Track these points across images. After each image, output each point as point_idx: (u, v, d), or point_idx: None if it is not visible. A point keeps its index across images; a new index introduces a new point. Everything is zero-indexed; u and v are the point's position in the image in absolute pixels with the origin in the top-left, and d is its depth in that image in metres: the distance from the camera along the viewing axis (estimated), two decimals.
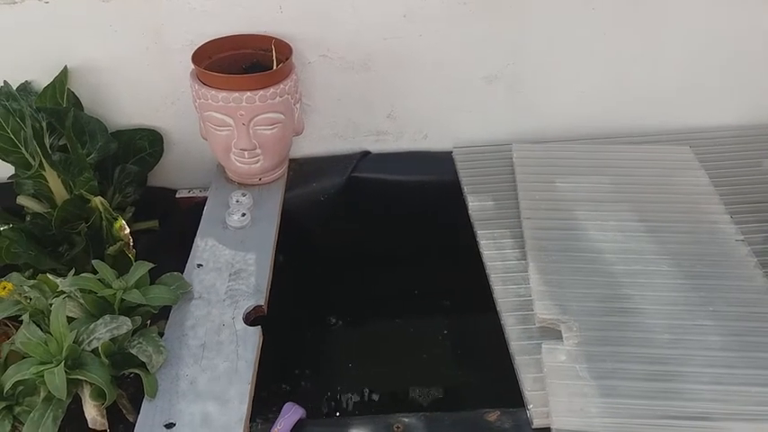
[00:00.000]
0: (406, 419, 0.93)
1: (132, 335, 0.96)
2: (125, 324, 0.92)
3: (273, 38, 1.30)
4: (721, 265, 1.14)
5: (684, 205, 1.27)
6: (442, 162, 1.48)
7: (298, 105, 1.32)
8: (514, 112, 1.49)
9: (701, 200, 1.28)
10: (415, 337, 1.40)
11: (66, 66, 1.32)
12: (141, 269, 1.01)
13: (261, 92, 1.22)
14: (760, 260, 1.15)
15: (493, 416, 0.93)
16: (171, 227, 1.40)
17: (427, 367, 1.33)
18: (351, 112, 1.47)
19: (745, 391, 0.94)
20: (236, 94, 1.21)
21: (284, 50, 1.29)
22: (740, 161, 1.41)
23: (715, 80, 1.47)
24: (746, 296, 1.08)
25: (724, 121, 1.53)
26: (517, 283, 1.14)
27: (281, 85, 1.24)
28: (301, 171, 1.46)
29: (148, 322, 1.06)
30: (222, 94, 1.21)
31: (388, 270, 1.53)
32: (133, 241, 1.21)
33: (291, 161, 1.46)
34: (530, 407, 0.93)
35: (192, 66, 1.25)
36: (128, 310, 0.99)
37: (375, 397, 1.28)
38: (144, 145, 1.42)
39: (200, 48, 1.28)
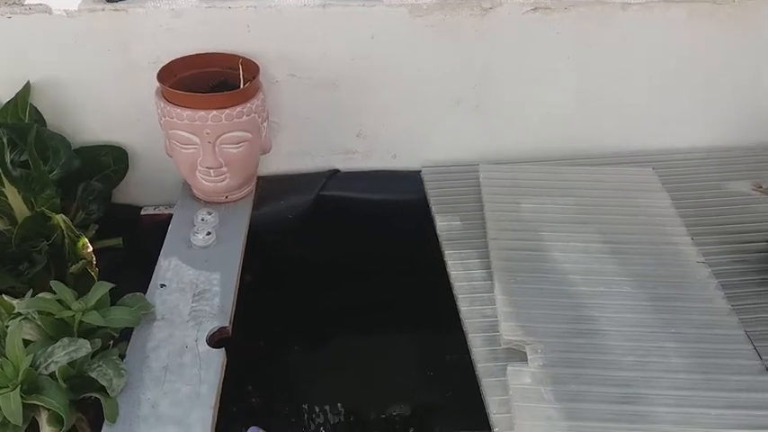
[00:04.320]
0: None
1: (92, 357, 0.93)
2: (84, 347, 0.90)
3: (241, 56, 1.30)
4: (683, 286, 1.16)
5: (647, 227, 1.29)
6: (410, 181, 1.48)
7: (265, 124, 1.32)
8: (482, 132, 1.50)
9: (663, 222, 1.30)
10: (384, 356, 1.40)
11: (28, 81, 1.30)
12: (101, 290, 0.99)
13: (227, 110, 1.21)
14: (720, 281, 1.17)
15: None
16: (135, 245, 1.38)
17: (396, 386, 1.33)
18: (319, 131, 1.47)
19: (707, 413, 0.95)
20: (202, 113, 1.20)
21: (251, 69, 1.29)
22: (703, 183, 1.44)
23: (680, 103, 1.50)
24: (707, 318, 1.10)
25: (688, 143, 1.56)
26: (484, 303, 1.14)
27: (248, 104, 1.24)
28: (269, 189, 1.45)
29: (111, 344, 1.04)
30: (187, 113, 1.20)
31: (356, 288, 1.52)
32: (96, 259, 1.19)
33: (260, 179, 1.45)
34: (495, 430, 0.93)
35: (158, 84, 1.24)
36: (87, 332, 0.96)
37: (343, 418, 1.27)
38: (108, 161, 1.39)
39: (165, 65, 1.27)
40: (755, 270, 1.21)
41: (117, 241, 1.36)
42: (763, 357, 1.03)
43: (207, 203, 1.34)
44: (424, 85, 1.42)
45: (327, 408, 1.29)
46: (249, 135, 1.26)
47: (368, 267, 1.52)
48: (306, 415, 1.28)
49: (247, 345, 1.14)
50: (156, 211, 1.46)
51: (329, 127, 1.46)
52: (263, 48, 1.32)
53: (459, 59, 1.39)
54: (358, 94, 1.41)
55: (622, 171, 1.44)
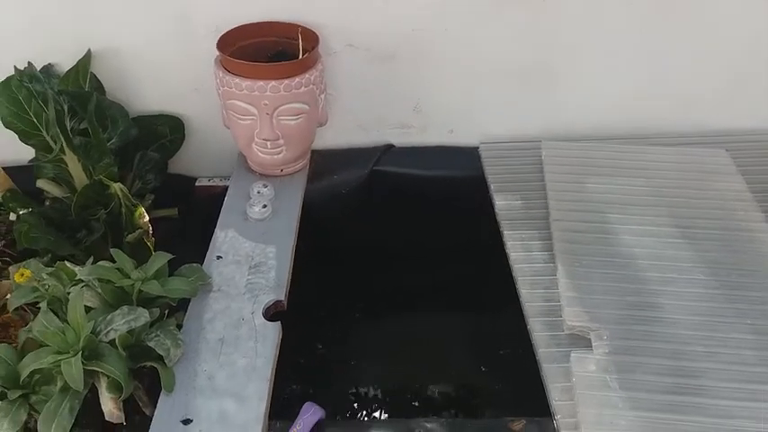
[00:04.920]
0: (428, 424, 0.90)
1: (150, 327, 0.94)
2: (143, 316, 0.90)
3: (300, 26, 1.27)
4: (759, 275, 1.09)
5: (720, 211, 1.22)
6: (467, 157, 1.44)
7: (322, 96, 1.29)
8: (544, 108, 1.45)
9: (737, 206, 1.23)
10: (438, 336, 1.37)
11: (89, 49, 1.30)
12: (160, 260, 0.98)
13: (286, 81, 1.19)
14: None
15: (518, 425, 0.90)
16: (190, 215, 1.38)
17: (449, 368, 1.30)
18: (375, 104, 1.44)
19: None
20: (261, 83, 1.18)
21: (311, 39, 1.26)
22: None
23: (754, 81, 1.42)
24: None
25: (760, 124, 1.47)
26: (545, 287, 1.10)
27: (307, 75, 1.21)
28: (323, 163, 1.43)
29: (166, 313, 1.04)
30: (246, 83, 1.18)
31: (410, 266, 1.49)
32: (152, 229, 1.19)
33: (313, 152, 1.43)
34: (557, 417, 0.90)
35: (217, 52, 1.22)
36: (146, 301, 0.96)
37: (395, 397, 1.26)
38: (165, 131, 1.40)
39: (225, 34, 1.25)
40: None
41: (172, 212, 1.37)
42: None
43: (262, 176, 1.32)
44: (485, 58, 1.37)
45: (378, 385, 1.28)
46: (307, 107, 1.24)
47: (422, 245, 1.49)
48: (356, 392, 1.27)
49: (300, 319, 1.13)
50: (211, 183, 1.46)
51: (385, 100, 1.43)
52: (322, 17, 1.29)
53: (522, 31, 1.33)
54: (416, 67, 1.37)
55: (694, 152, 1.37)
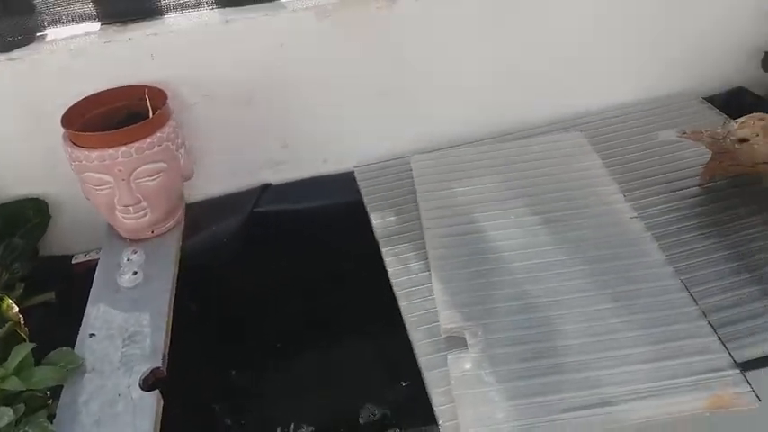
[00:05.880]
0: None
1: (17, 423, 0.90)
2: (6, 415, 0.86)
3: (146, 86, 1.27)
4: (618, 245, 1.14)
5: (579, 191, 1.28)
6: (345, 184, 1.46)
7: (182, 150, 1.28)
8: (410, 124, 1.49)
9: (594, 183, 1.29)
10: (341, 367, 1.37)
11: None
12: (21, 352, 0.95)
13: (136, 144, 1.18)
14: (656, 233, 1.16)
15: None
16: (69, 296, 1.33)
17: (357, 395, 1.30)
18: (244, 148, 1.44)
19: (649, 368, 0.94)
20: (111, 151, 1.16)
21: (159, 97, 1.26)
22: (631, 138, 1.43)
23: (603, 61, 1.50)
24: (643, 272, 1.08)
25: (619, 99, 1.55)
26: (423, 296, 1.12)
27: (158, 134, 1.20)
28: (200, 216, 1.41)
29: (50, 403, 1.01)
30: (96, 153, 1.16)
31: (304, 302, 1.49)
32: (27, 318, 1.15)
33: (188, 207, 1.41)
34: (440, 422, 0.91)
35: (62, 129, 1.20)
36: (11, 398, 0.92)
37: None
38: (29, 215, 1.36)
39: (69, 109, 1.23)
40: (688, 216, 1.20)
41: (49, 295, 1.32)
42: (700, 302, 1.02)
43: (133, 242, 1.30)
44: (344, 86, 1.40)
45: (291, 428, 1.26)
46: (165, 165, 1.23)
47: (313, 279, 1.49)
48: None
49: (193, 378, 1.11)
50: (88, 258, 1.42)
51: (253, 142, 1.43)
52: (172, 73, 1.30)
53: (373, 54, 1.37)
54: (277, 105, 1.39)
55: (550, 139, 1.43)
